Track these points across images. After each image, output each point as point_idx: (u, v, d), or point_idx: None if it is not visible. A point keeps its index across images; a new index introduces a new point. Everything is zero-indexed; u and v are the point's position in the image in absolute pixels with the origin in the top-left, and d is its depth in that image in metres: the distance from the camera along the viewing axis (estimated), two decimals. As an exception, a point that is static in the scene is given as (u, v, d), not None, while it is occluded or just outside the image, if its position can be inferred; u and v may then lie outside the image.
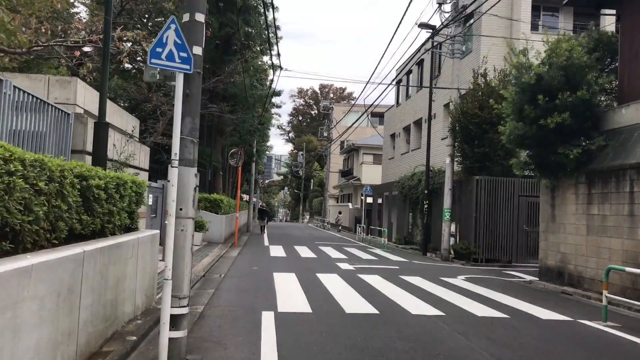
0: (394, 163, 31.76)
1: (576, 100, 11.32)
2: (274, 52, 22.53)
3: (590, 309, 9.55)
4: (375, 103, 25.37)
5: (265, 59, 27.85)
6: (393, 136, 32.67)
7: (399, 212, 28.36)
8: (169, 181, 5.28)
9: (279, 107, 34.59)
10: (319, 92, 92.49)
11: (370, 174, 41.78)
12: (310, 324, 7.11)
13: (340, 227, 42.22)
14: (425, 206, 21.14)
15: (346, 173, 51.41)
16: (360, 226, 29.71)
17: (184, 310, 5.30)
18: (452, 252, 18.77)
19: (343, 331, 6.77)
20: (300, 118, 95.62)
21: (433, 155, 21.61)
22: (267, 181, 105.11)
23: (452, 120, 18.85)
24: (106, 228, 6.13)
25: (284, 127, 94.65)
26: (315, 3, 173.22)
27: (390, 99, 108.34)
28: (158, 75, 5.42)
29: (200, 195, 21.32)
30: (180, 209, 5.34)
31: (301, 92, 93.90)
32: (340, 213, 45.87)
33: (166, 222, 5.31)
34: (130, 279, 6.44)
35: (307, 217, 75.46)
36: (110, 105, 10.00)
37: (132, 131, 10.61)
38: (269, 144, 42.88)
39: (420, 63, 27.46)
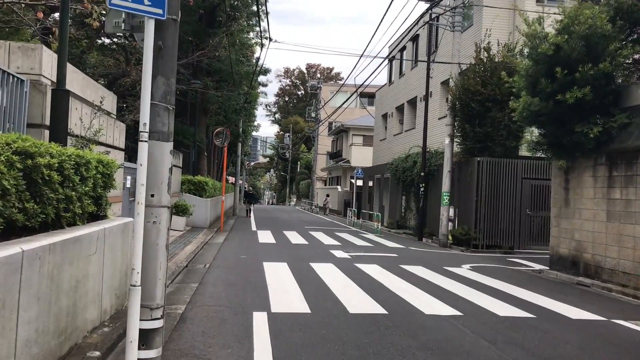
0: (386, 144, 30.69)
1: (597, 74, 10.27)
2: (263, 24, 21.07)
3: (618, 305, 8.59)
4: (367, 83, 24.21)
5: (252, 35, 26.51)
6: (385, 116, 31.55)
7: (392, 195, 27.35)
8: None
9: (265, 85, 33.23)
10: (305, 72, 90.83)
11: (360, 155, 40.70)
12: (310, 330, 6.03)
13: (327, 210, 41.28)
14: (422, 189, 20.12)
15: (335, 155, 50.28)
16: (351, 210, 28.69)
17: (158, 324, 4.18)
18: (450, 237, 17.82)
19: (350, 339, 5.71)
20: (287, 98, 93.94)
21: (430, 135, 20.55)
22: (252, 163, 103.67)
23: (452, 97, 17.76)
24: (63, 218, 4.98)
25: (270, 108, 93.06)
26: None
27: (381, 79, 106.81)
28: (123, 25, 4.24)
29: (184, 177, 20.10)
30: (152, 195, 4.19)
31: (288, 72, 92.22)
32: (327, 196, 44.95)
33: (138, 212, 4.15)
34: (94, 279, 5.30)
35: (294, 199, 74.38)
36: (76, 73, 8.75)
37: (101, 103, 9.34)
38: (255, 123, 41.42)
39: (415, 39, 26.27)
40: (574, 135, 10.88)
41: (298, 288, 8.57)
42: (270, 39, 18.11)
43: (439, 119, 21.99)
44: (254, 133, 55.18)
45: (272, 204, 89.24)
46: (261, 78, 32.90)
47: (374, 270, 10.97)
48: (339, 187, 44.14)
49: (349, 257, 13.23)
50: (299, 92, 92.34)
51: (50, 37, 10.97)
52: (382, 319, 6.68)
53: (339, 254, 13.80)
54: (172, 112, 4.28)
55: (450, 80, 17.91)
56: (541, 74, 11.00)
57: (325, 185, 57.35)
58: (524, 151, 17.45)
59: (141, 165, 3.98)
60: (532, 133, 12.31)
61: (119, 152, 10.79)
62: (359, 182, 33.70)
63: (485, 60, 17.11)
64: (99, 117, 8.86)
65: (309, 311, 6.96)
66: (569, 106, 10.54)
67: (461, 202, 18.08)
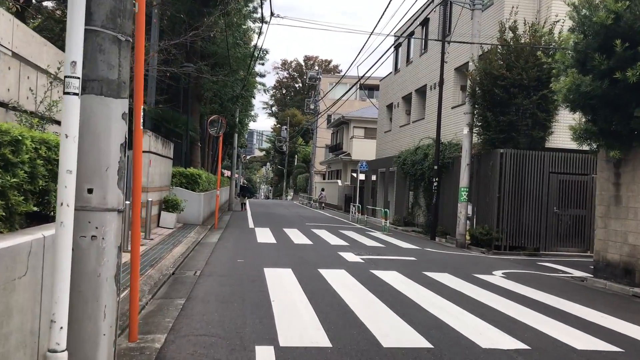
0: (391, 136, 28.96)
1: (665, 48, 8.59)
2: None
3: None
4: (368, 74, 22.48)
5: (250, 23, 24.69)
6: (390, 107, 29.80)
7: (398, 190, 25.66)
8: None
9: (262, 76, 31.38)
10: (303, 64, 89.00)
11: (361, 148, 38.96)
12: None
13: (323, 205, 39.64)
14: (435, 184, 18.42)
15: (335, 148, 48.51)
16: (354, 205, 26.97)
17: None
18: (468, 237, 16.16)
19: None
20: (284, 91, 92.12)
21: (442, 125, 18.82)
22: (248, 157, 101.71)
23: (472, 83, 16.04)
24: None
25: (267, 103, 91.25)
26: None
27: (382, 71, 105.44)
28: None
29: (175, 169, 18.34)
30: (90, 191, 2.46)
31: (285, 64, 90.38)
32: (323, 190, 43.35)
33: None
34: (22, 315, 3.59)
35: (291, 194, 72.63)
36: (27, 32, 6.97)
37: (59, 69, 7.51)
38: (252, 113, 39.57)
39: (424, 23, 24.49)
40: (633, 121, 9.20)
41: (309, 305, 6.87)
42: (272, 14, 16.31)
43: (452, 108, 20.28)
44: (250, 125, 53.34)
45: (268, 198, 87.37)
46: (259, 68, 31.03)
47: (395, 279, 9.29)
48: (339, 181, 42.42)
49: (362, 260, 11.53)
50: (297, 85, 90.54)
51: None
52: (428, 358, 4.99)
53: (350, 256, 12.10)
54: (128, 47, 2.54)
55: (471, 63, 16.18)
56: (593, 48, 9.31)
57: (324, 179, 55.61)
58: (551, 143, 15.81)
59: (67, 136, 2.25)
60: (576, 120, 10.57)
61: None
62: (362, 176, 32.04)
63: (510, 41, 15.38)
64: (56, 87, 7.07)
65: (330, 344, 5.26)
66: (629, 86, 8.85)
67: (480, 198, 16.40)
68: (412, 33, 26.07)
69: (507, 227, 15.21)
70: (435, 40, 19.16)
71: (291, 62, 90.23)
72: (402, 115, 27.37)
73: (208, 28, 18.08)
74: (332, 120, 50.94)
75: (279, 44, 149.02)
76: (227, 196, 34.20)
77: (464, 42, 16.79)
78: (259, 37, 19.64)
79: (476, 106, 16.17)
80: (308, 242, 14.95)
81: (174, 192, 17.22)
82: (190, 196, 17.94)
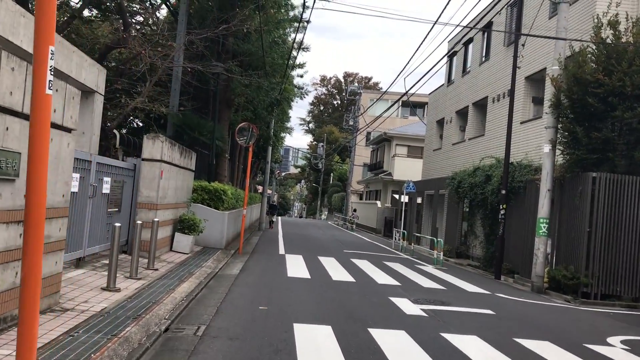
0: (441, 155, 25.99)
1: None
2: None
3: None
4: (414, 88, 19.77)
5: (289, 30, 22.24)
6: (441, 122, 26.86)
7: (449, 216, 22.66)
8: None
9: (300, 88, 28.89)
10: (342, 80, 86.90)
11: (404, 168, 36.00)
12: None
13: (354, 227, 36.78)
14: (502, 212, 15.42)
15: (374, 167, 45.65)
16: (398, 231, 24.02)
17: None
18: (546, 279, 13.13)
19: None
20: (322, 108, 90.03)
21: (511, 143, 15.85)
22: (283, 173, 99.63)
23: (556, 90, 13.12)
24: None
25: (305, 119, 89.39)
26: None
27: (428, 88, 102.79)
28: None
29: (197, 183, 15.84)
30: None
31: (324, 80, 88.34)
32: (355, 211, 40.65)
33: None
34: None
35: (326, 213, 69.89)
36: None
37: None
38: (288, 124, 37.08)
39: (487, 28, 21.61)
40: None
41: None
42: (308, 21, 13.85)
43: (521, 122, 17.30)
44: (286, 140, 50.97)
45: (301, 217, 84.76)
46: (297, 80, 28.49)
47: (479, 352, 6.43)
48: (378, 202, 39.48)
49: (424, 314, 8.66)
50: (335, 102, 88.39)
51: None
52: None
53: (406, 305, 9.25)
54: None
55: (555, 67, 13.26)
56: None
57: (361, 199, 52.74)
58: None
59: None
60: None
61: (66, 134, 6.52)
62: (405, 198, 29.07)
63: (609, 40, 12.43)
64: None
65: None
66: None
67: (562, 232, 13.35)
68: (470, 40, 23.24)
69: (600, 270, 12.12)
70: (512, 34, 15.98)
71: (330, 78, 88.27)
72: (455, 132, 24.42)
73: (241, 22, 15.63)
74: (372, 138, 48.25)
75: (318, 59, 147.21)
76: (258, 214, 31.75)
77: (549, 38, 13.85)
78: (295, 38, 17.13)
79: (561, 119, 13.23)
80: (349, 278, 12.15)
81: (193, 209, 14.68)
82: (212, 215, 15.38)
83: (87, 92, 10.89)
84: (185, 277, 9.94)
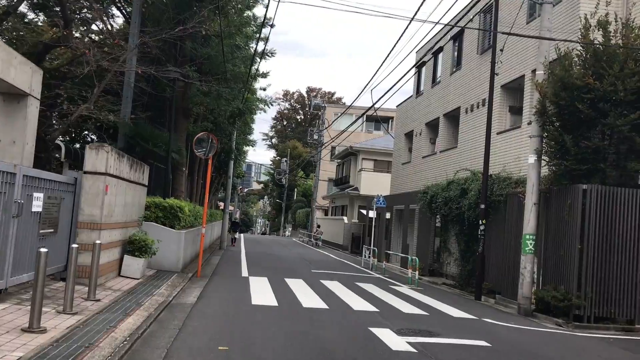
0: (411, 169, 25.03)
1: None
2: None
3: None
4: (379, 103, 18.77)
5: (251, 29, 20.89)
6: (410, 135, 25.92)
7: (420, 233, 21.62)
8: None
9: (264, 102, 27.51)
10: (306, 95, 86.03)
11: (371, 182, 35.03)
12: None
13: (319, 243, 35.98)
14: (482, 228, 14.42)
15: (340, 181, 44.56)
16: (368, 248, 22.83)
17: None
18: (533, 300, 12.12)
19: None
20: (285, 123, 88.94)
21: (480, 154, 14.92)
22: (246, 190, 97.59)
23: (541, 97, 12.22)
24: None
25: (267, 134, 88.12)
26: (305, 14, 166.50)
27: (393, 102, 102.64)
28: None
29: (150, 199, 14.32)
30: None
31: (287, 95, 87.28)
32: (319, 226, 39.53)
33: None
34: None
35: (290, 229, 68.34)
36: None
37: None
38: (251, 137, 35.69)
39: (457, 37, 20.86)
40: None
41: None
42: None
43: (497, 133, 16.41)
44: (249, 155, 49.41)
45: (264, 233, 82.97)
46: (260, 93, 27.21)
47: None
48: (344, 217, 38.33)
49: (413, 349, 7.41)
50: (298, 117, 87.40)
51: None
52: None
53: (390, 338, 7.99)
54: None
55: (541, 70, 12.39)
56: None
57: (326, 214, 51.53)
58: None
59: None
60: None
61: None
62: (372, 213, 27.95)
63: (597, 41, 11.60)
64: None
65: None
66: None
67: (549, 249, 12.38)
68: (439, 50, 22.45)
69: (593, 290, 11.15)
70: (492, 31, 15.11)
71: (293, 92, 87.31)
72: (425, 144, 23.51)
73: (199, 24, 14.31)
74: (337, 152, 47.23)
75: (282, 75, 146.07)
76: (219, 231, 30.22)
77: (536, 37, 12.97)
78: (258, 39, 15.88)
79: (546, 127, 12.33)
80: (322, 304, 10.83)
81: (145, 229, 13.16)
82: (167, 234, 13.87)
83: (17, 95, 9.42)
84: (131, 309, 8.46)
